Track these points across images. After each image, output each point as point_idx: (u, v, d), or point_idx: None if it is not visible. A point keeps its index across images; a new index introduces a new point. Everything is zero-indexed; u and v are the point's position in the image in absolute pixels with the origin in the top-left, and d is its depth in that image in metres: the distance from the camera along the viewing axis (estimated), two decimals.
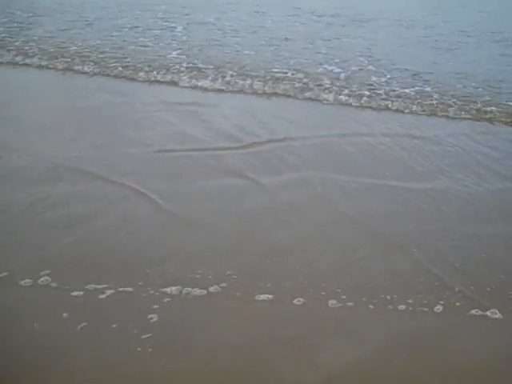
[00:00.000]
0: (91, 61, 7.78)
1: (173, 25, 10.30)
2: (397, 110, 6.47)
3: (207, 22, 10.79)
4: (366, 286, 3.35)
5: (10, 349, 2.78)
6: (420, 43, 9.83)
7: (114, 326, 2.93)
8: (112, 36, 9.32)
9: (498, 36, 10.34)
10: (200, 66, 7.74)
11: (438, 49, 9.40)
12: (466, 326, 3.11)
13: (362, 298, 3.26)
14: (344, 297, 3.25)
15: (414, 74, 7.66)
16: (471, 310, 3.21)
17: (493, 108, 6.47)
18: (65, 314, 2.97)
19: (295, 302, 3.18)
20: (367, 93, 6.87)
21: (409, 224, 4.03)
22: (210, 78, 7.24)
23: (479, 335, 3.05)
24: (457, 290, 3.36)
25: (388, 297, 3.28)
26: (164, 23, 10.42)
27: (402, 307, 3.20)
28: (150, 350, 2.79)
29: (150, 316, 3.00)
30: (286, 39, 9.60)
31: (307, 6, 12.63)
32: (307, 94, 6.85)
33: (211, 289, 3.23)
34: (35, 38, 8.96)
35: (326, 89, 6.97)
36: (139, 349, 2.79)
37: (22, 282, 3.21)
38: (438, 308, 3.20)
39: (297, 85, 7.09)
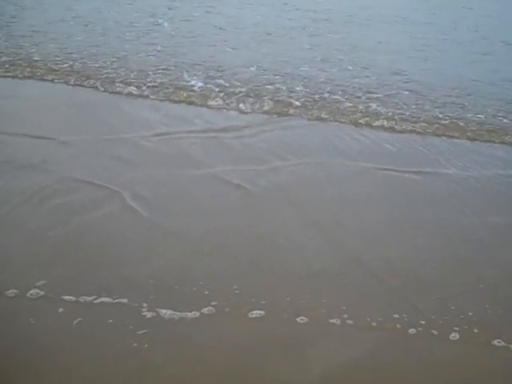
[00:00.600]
0: (66, 63, 7.53)
1: (159, 20, 10.31)
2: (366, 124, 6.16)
3: (194, 17, 10.82)
4: (370, 303, 3.14)
5: (4, 346, 2.82)
6: (402, 40, 10.00)
7: (110, 321, 2.97)
8: (95, 31, 9.31)
9: (477, 34, 10.60)
10: (172, 68, 7.53)
11: (419, 46, 9.57)
12: (487, 359, 2.76)
13: (366, 317, 3.03)
14: (346, 315, 3.03)
15: (395, 73, 7.80)
16: (492, 340, 2.85)
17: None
18: (60, 309, 3.03)
19: (298, 319, 3.00)
20: (342, 99, 6.69)
21: (416, 228, 3.92)
22: (182, 79, 7.10)
23: (504, 373, 2.69)
24: (472, 313, 3.04)
25: (397, 315, 3.03)
26: (150, 19, 10.41)
27: (412, 331, 2.94)
28: (146, 345, 2.81)
29: (144, 313, 3.03)
30: (269, 34, 9.70)
31: (295, 1, 12.72)
32: (278, 107, 6.44)
33: (204, 310, 3.09)
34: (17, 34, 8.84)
35: (297, 96, 6.70)
36: (135, 344, 2.82)
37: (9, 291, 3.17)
38: (454, 335, 2.89)
39: (270, 88, 6.93)
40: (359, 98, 6.82)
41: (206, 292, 3.22)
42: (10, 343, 2.83)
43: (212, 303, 3.12)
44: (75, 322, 2.95)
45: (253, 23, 10.61)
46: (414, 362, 2.75)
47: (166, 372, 2.69)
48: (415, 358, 2.78)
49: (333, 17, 11.55)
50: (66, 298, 3.11)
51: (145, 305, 3.09)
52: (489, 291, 3.30)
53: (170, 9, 11.40)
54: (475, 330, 2.93)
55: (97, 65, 7.51)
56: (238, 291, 3.24)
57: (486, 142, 5.85)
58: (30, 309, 3.04)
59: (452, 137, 5.93)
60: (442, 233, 4.00)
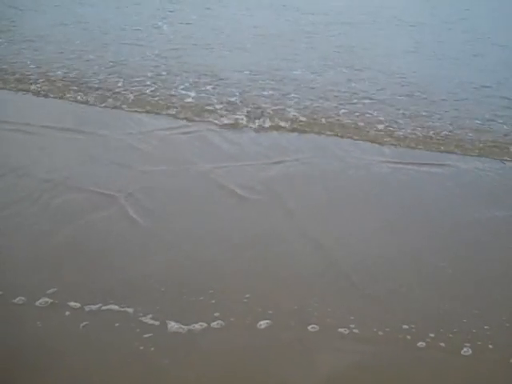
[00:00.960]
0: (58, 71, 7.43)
1: (159, 23, 10.34)
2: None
3: (193, 20, 10.84)
4: (378, 314, 3.03)
5: (10, 349, 2.86)
6: (400, 42, 10.03)
7: (117, 324, 3.00)
8: (94, 34, 9.32)
9: (474, 35, 10.66)
10: (167, 74, 7.48)
11: (417, 47, 9.61)
12: (503, 378, 2.56)
13: (373, 328, 2.92)
14: (352, 325, 2.94)
15: (391, 76, 7.83)
16: (510, 358, 2.64)
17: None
18: (67, 313, 3.07)
19: (309, 328, 2.94)
20: (336, 104, 6.58)
21: (425, 237, 3.82)
22: (176, 86, 7.06)
23: None
24: (488, 327, 2.84)
25: (406, 326, 2.90)
26: (150, 22, 10.42)
27: (421, 344, 2.78)
28: (152, 348, 2.84)
29: (146, 321, 3.05)
30: (267, 37, 9.71)
31: (293, 4, 12.74)
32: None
33: (213, 324, 3.05)
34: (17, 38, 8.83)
35: (291, 102, 6.66)
36: (141, 348, 2.84)
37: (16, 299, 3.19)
38: (466, 351, 2.72)
39: (264, 94, 6.87)
40: (354, 102, 6.80)
41: (213, 301, 3.21)
42: (17, 347, 2.86)
43: (217, 314, 3.10)
44: (81, 325, 2.99)
45: (251, 26, 10.61)
46: (422, 376, 2.65)
47: (171, 376, 2.71)
48: (424, 372, 2.67)
49: (331, 18, 11.57)
50: (72, 304, 3.15)
51: (150, 315, 3.10)
52: (506, 302, 3.11)
53: (170, 11, 11.44)
54: (490, 346, 2.74)
55: (91, 71, 7.48)
56: (246, 300, 3.22)
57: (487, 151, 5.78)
58: (38, 314, 3.08)
59: (450, 145, 5.88)
60: (445, 234, 3.93)
